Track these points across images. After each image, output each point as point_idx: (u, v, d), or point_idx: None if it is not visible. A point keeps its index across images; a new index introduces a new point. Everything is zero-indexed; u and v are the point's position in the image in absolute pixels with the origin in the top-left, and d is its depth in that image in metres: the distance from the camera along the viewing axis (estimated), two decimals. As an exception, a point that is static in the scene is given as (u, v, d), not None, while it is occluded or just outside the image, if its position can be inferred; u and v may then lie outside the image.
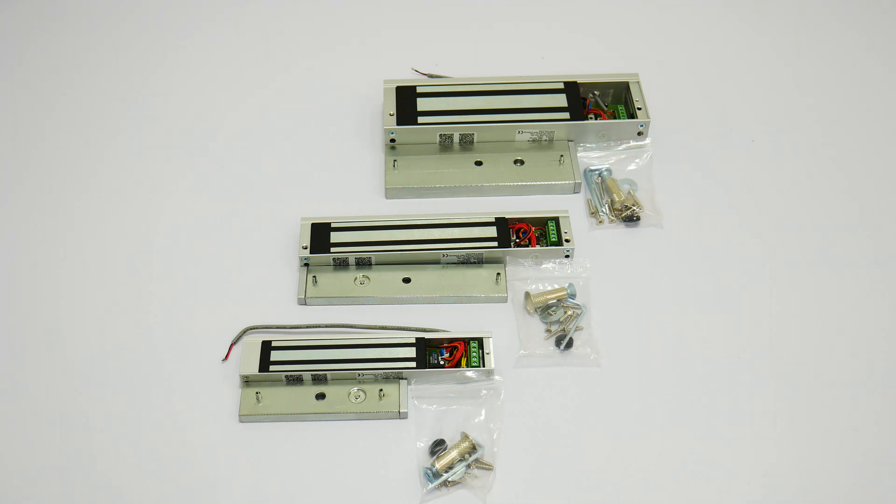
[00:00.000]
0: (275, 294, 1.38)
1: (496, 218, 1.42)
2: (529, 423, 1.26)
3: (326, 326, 1.34)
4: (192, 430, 1.25)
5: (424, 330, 1.33)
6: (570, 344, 1.32)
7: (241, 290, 1.39)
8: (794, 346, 1.33)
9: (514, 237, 1.42)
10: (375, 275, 1.39)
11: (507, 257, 1.40)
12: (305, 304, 1.37)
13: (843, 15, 1.80)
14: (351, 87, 1.66)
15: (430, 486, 1.20)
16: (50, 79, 1.68)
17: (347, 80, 1.67)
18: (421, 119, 1.52)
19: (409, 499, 1.20)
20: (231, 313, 1.36)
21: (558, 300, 1.36)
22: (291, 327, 1.34)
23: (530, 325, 1.35)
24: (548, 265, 1.40)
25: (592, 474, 1.22)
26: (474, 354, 1.29)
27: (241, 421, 1.26)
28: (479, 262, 1.40)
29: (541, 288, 1.38)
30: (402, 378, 1.28)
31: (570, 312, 1.35)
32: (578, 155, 1.54)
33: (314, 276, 1.38)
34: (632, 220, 1.46)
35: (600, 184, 1.51)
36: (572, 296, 1.36)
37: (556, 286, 1.37)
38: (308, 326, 1.34)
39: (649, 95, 1.60)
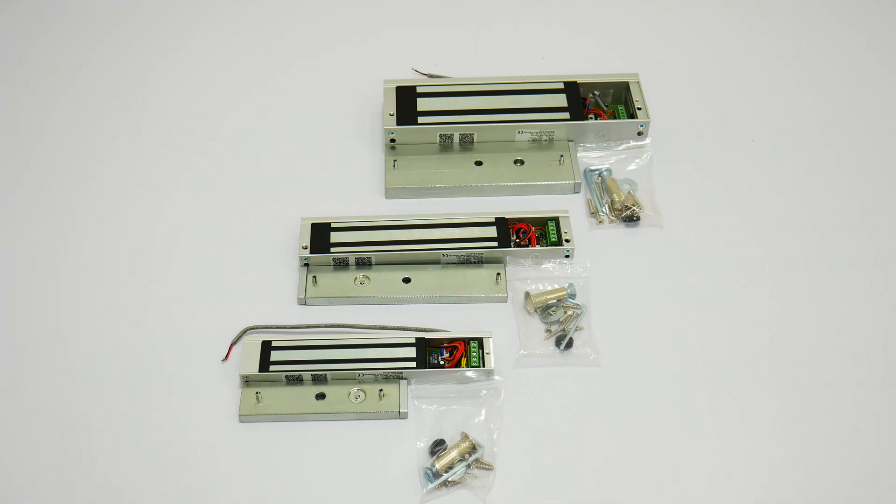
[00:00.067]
0: (275, 294, 1.38)
1: (496, 218, 1.42)
2: (529, 423, 1.26)
3: (326, 326, 1.34)
4: (192, 430, 1.25)
5: (424, 330, 1.33)
6: (570, 344, 1.32)
7: (241, 290, 1.39)
8: (794, 346, 1.33)
9: (514, 237, 1.42)
10: (375, 275, 1.39)
11: (507, 257, 1.40)
12: (305, 304, 1.37)
13: (843, 15, 1.80)
14: (351, 87, 1.66)
15: (430, 486, 1.20)
16: (50, 79, 1.68)
17: (347, 80, 1.67)
18: (421, 119, 1.52)
19: (409, 499, 1.20)
20: (231, 313, 1.36)
21: (558, 300, 1.36)
22: (291, 327, 1.34)
23: (530, 325, 1.35)
24: (548, 265, 1.40)
25: (592, 474, 1.22)
26: (474, 354, 1.29)
27: (241, 421, 1.26)
28: (479, 262, 1.40)
29: (541, 288, 1.38)
30: (402, 378, 1.28)
31: (570, 312, 1.35)
32: (578, 155, 1.54)
33: (314, 276, 1.38)
34: (632, 220, 1.46)
35: (600, 184, 1.51)
36: (572, 296, 1.36)
37: (556, 286, 1.37)
38: (308, 326, 1.34)
39: (649, 95, 1.60)
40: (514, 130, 1.53)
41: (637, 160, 1.53)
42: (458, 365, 1.29)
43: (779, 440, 1.25)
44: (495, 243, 1.40)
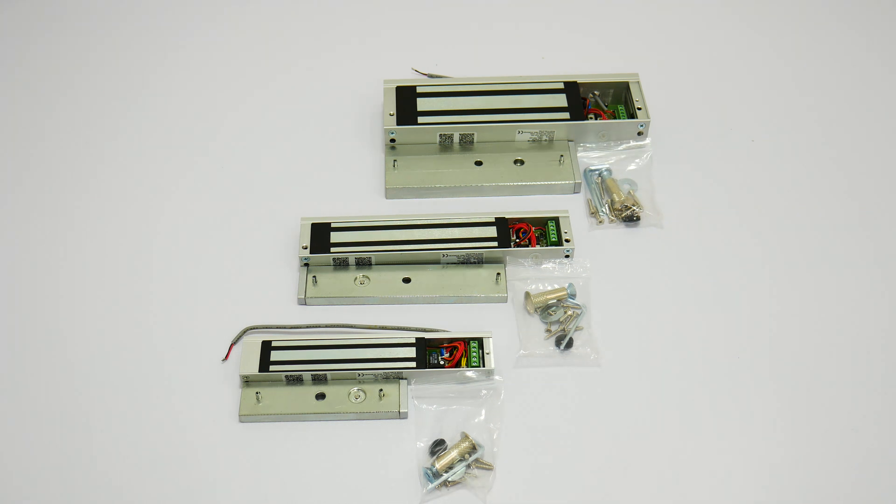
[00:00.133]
0: (275, 294, 1.38)
1: (496, 218, 1.42)
2: (529, 423, 1.26)
3: (326, 326, 1.34)
4: (192, 430, 1.25)
5: (424, 330, 1.33)
6: (570, 344, 1.32)
7: (241, 290, 1.39)
8: (794, 346, 1.33)
9: (514, 237, 1.42)
10: (375, 275, 1.39)
11: (507, 257, 1.40)
12: (305, 304, 1.37)
13: (843, 15, 1.80)
14: (351, 87, 1.66)
15: (430, 486, 1.20)
16: (50, 79, 1.68)
17: (347, 80, 1.67)
18: (421, 119, 1.52)
19: (409, 499, 1.20)
20: (231, 313, 1.36)
21: (558, 300, 1.36)
22: (291, 327, 1.34)
23: (530, 325, 1.35)
24: (548, 265, 1.40)
25: (592, 474, 1.22)
26: (474, 354, 1.29)
27: (241, 421, 1.26)
28: (479, 262, 1.40)
29: (541, 288, 1.38)
30: (402, 378, 1.28)
31: (570, 312, 1.35)
32: (578, 155, 1.54)
33: (314, 276, 1.38)
34: (632, 220, 1.46)
35: (600, 184, 1.51)
36: (572, 296, 1.36)
37: (556, 286, 1.37)
38: (308, 326, 1.34)
39: (649, 95, 1.60)
40: (514, 130, 1.53)
41: (637, 160, 1.53)
42: (458, 365, 1.29)
43: (779, 440, 1.25)
44: (495, 243, 1.40)
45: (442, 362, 1.29)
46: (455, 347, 1.30)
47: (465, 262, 1.40)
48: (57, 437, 1.24)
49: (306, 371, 1.27)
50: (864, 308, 1.37)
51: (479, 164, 1.52)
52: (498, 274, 1.39)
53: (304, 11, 1.80)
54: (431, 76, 1.66)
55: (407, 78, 1.65)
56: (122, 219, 1.47)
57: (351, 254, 1.39)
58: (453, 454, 1.21)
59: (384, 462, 1.23)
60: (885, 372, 1.31)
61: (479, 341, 1.30)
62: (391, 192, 1.50)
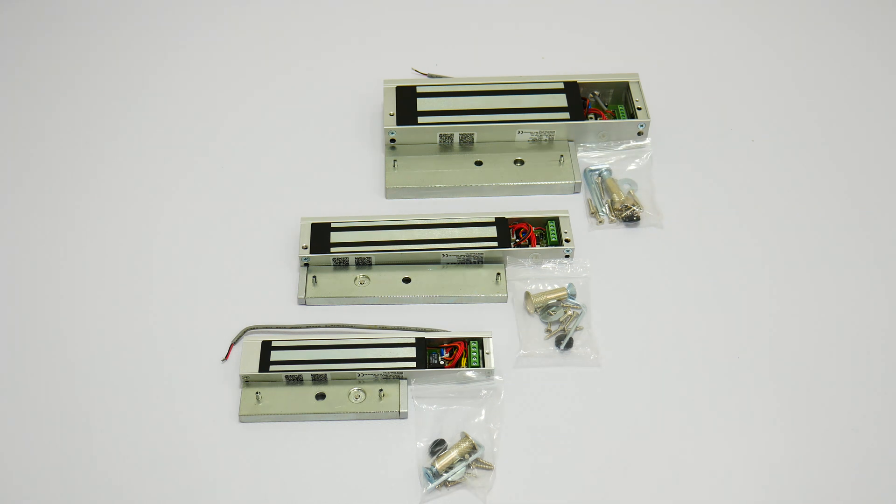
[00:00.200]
0: (275, 294, 1.38)
1: (496, 218, 1.42)
2: (529, 423, 1.26)
3: (326, 326, 1.34)
4: (192, 430, 1.25)
5: (424, 330, 1.33)
6: (570, 344, 1.32)
7: (241, 290, 1.39)
8: (794, 346, 1.33)
9: (514, 237, 1.42)
10: (375, 275, 1.39)
11: (507, 257, 1.40)
12: (305, 304, 1.37)
13: (843, 15, 1.80)
14: (351, 87, 1.66)
15: (430, 486, 1.20)
16: (50, 79, 1.68)
17: (347, 80, 1.67)
18: (421, 119, 1.52)
19: (409, 499, 1.20)
20: (231, 313, 1.36)
21: (558, 300, 1.36)
22: (291, 327, 1.34)
23: (530, 325, 1.35)
24: (548, 265, 1.40)
25: (592, 474, 1.22)
26: (474, 354, 1.29)
27: (241, 421, 1.26)
28: (479, 262, 1.40)
29: (541, 288, 1.38)
30: (402, 378, 1.28)
31: (570, 312, 1.35)
32: (578, 155, 1.54)
33: (314, 276, 1.38)
34: (632, 220, 1.46)
35: (600, 184, 1.51)
36: (572, 296, 1.36)
37: (556, 286, 1.37)
38: (308, 326, 1.34)
39: (649, 95, 1.60)
40: (514, 130, 1.53)
41: (637, 160, 1.53)
42: (458, 365, 1.29)
43: (779, 440, 1.25)
44: (495, 243, 1.40)
45: (442, 362, 1.29)
46: (455, 347, 1.30)
47: (465, 262, 1.40)
48: (57, 437, 1.24)
49: (306, 371, 1.27)
50: (864, 308, 1.37)
51: (479, 164, 1.52)
52: (498, 274, 1.39)
53: (304, 11, 1.80)
54: (431, 76, 1.66)
55: (407, 78, 1.65)
56: (122, 219, 1.47)
57: (351, 254, 1.39)
58: (453, 454, 1.21)
59: (384, 462, 1.23)
60: (885, 372, 1.31)
61: (479, 341, 1.30)
62: (391, 192, 1.50)
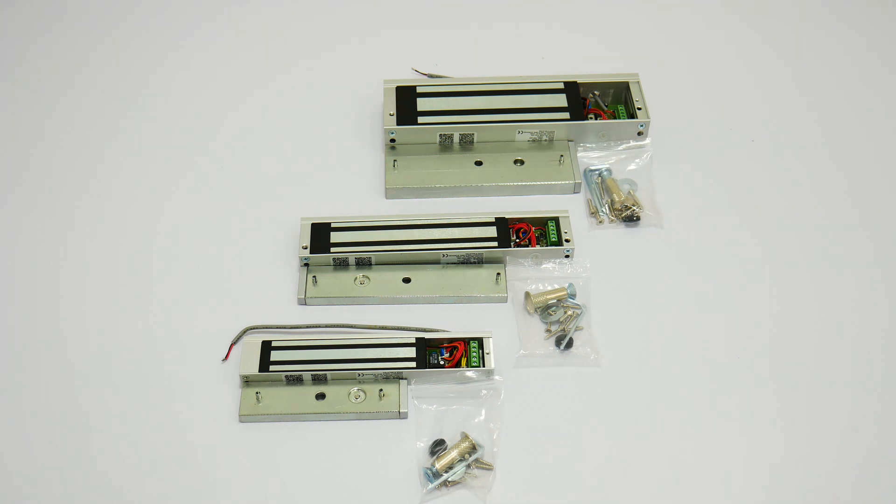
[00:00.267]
0: (275, 294, 1.38)
1: (496, 218, 1.42)
2: (529, 423, 1.26)
3: (326, 326, 1.34)
4: (192, 430, 1.25)
5: (424, 330, 1.33)
6: (570, 344, 1.32)
7: (241, 290, 1.39)
8: (794, 346, 1.33)
9: (514, 237, 1.42)
10: (375, 275, 1.39)
11: (507, 257, 1.40)
12: (305, 304, 1.37)
13: (843, 15, 1.80)
14: (351, 87, 1.66)
15: (430, 486, 1.20)
16: (50, 79, 1.68)
17: (347, 80, 1.67)
18: (421, 119, 1.52)
19: (409, 499, 1.20)
20: (231, 313, 1.36)
21: (558, 300, 1.36)
22: (291, 327, 1.34)
23: (530, 325, 1.35)
24: (548, 265, 1.40)
25: (592, 474, 1.22)
26: (474, 354, 1.29)
27: (241, 421, 1.26)
28: (479, 262, 1.40)
29: (541, 288, 1.38)
30: (402, 378, 1.28)
31: (570, 312, 1.35)
32: (578, 155, 1.54)
33: (314, 276, 1.38)
34: (632, 220, 1.46)
35: (600, 184, 1.51)
36: (572, 296, 1.36)
37: (556, 286, 1.37)
38: (308, 326, 1.34)
39: (649, 95, 1.60)
40: (514, 130, 1.53)
41: (637, 160, 1.53)
42: (458, 365, 1.29)
43: (779, 440, 1.25)
44: (495, 243, 1.40)
45: (442, 362, 1.29)
46: (455, 347, 1.30)
47: (465, 262, 1.40)
48: (57, 437, 1.24)
49: (306, 371, 1.27)
50: (864, 308, 1.37)
51: (479, 164, 1.52)
52: (498, 274, 1.39)
53: (304, 11, 1.80)
54: (431, 76, 1.66)
55: (407, 78, 1.65)
56: (122, 219, 1.47)
57: (351, 254, 1.39)
58: (453, 454, 1.21)
59: (384, 462, 1.23)
60: (885, 372, 1.31)
61: (479, 341, 1.30)
62: (391, 192, 1.50)
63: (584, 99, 1.57)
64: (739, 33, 1.77)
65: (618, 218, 1.46)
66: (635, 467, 1.22)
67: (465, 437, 1.23)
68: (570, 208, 1.45)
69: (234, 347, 1.32)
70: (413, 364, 1.28)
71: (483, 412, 1.26)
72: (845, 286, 1.39)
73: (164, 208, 1.49)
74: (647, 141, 1.55)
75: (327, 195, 1.50)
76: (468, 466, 1.21)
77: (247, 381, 1.28)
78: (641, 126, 1.54)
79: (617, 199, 1.47)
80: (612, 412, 1.27)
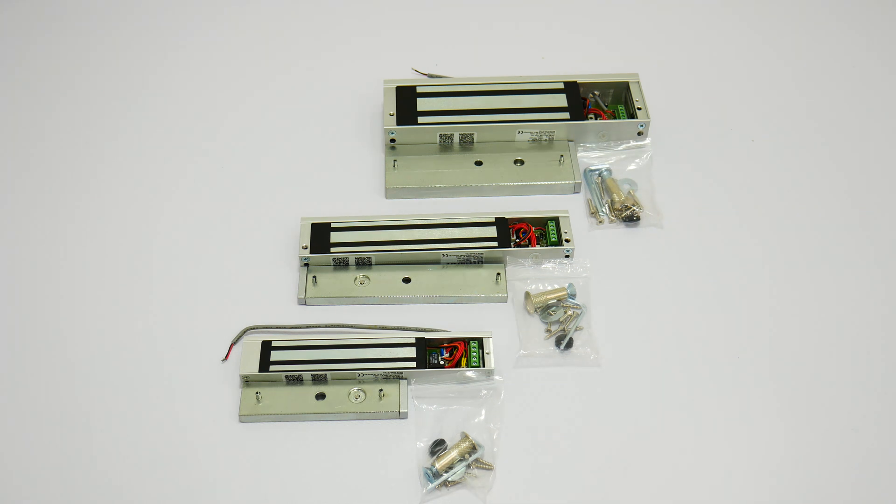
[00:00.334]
0: (275, 294, 1.38)
1: (496, 218, 1.42)
2: (529, 423, 1.26)
3: (326, 326, 1.34)
4: (192, 430, 1.25)
5: (424, 330, 1.33)
6: (570, 344, 1.32)
7: (241, 290, 1.39)
8: (794, 346, 1.33)
9: (514, 237, 1.42)
10: (375, 275, 1.39)
11: (507, 257, 1.40)
12: (305, 304, 1.37)
13: (843, 15, 1.80)
14: (351, 87, 1.66)
15: (430, 486, 1.20)
16: (50, 79, 1.68)
17: (347, 80, 1.67)
18: (421, 119, 1.52)
19: (409, 499, 1.20)
20: (231, 313, 1.36)
21: (558, 300, 1.36)
22: (291, 327, 1.34)
23: (530, 325, 1.35)
24: (548, 265, 1.40)
25: (592, 474, 1.22)
26: (474, 354, 1.29)
27: (241, 421, 1.26)
28: (479, 262, 1.40)
29: (541, 288, 1.38)
30: (402, 378, 1.28)
31: (570, 312, 1.35)
32: (578, 155, 1.54)
33: (314, 276, 1.38)
34: (632, 220, 1.46)
35: (600, 184, 1.51)
36: (572, 296, 1.36)
37: (556, 286, 1.37)
38: (308, 326, 1.34)
39: (649, 95, 1.60)
40: (514, 130, 1.53)
41: (637, 160, 1.53)
42: (458, 365, 1.29)
43: (779, 440, 1.25)
44: (495, 243, 1.40)
45: (442, 362, 1.29)
46: (455, 347, 1.30)
47: (465, 262, 1.40)
48: (57, 437, 1.24)
49: (306, 371, 1.27)
50: (864, 308, 1.37)
51: (479, 164, 1.52)
52: (498, 274, 1.39)
53: (304, 11, 1.80)
54: (431, 76, 1.66)
55: (407, 78, 1.65)
56: (122, 219, 1.47)
57: (351, 254, 1.39)
58: (453, 454, 1.21)
59: (384, 462, 1.23)
60: (885, 372, 1.31)
61: (479, 341, 1.30)
62: (391, 192, 1.50)
63: (584, 99, 1.57)
64: (739, 33, 1.77)
65: (618, 218, 1.46)
66: (635, 467, 1.22)
67: (465, 437, 1.23)
68: (570, 208, 1.45)
69: (234, 347, 1.32)
70: (413, 364, 1.28)
71: (483, 412, 1.26)
72: (845, 286, 1.39)
73: (164, 208, 1.49)
74: (647, 141, 1.55)
75: (327, 195, 1.50)
76: (468, 466, 1.21)
77: (247, 381, 1.28)
78: (641, 126, 1.54)
79: (617, 199, 1.47)
80: (612, 412, 1.27)
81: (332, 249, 1.39)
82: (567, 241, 1.40)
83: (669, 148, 1.56)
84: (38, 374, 1.30)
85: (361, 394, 1.27)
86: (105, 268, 1.41)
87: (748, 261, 1.42)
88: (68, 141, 1.58)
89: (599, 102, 1.58)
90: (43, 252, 1.43)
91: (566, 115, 1.53)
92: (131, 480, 1.21)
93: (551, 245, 1.41)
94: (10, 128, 1.60)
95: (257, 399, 1.26)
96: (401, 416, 1.26)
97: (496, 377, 1.29)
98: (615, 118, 1.56)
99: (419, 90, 1.56)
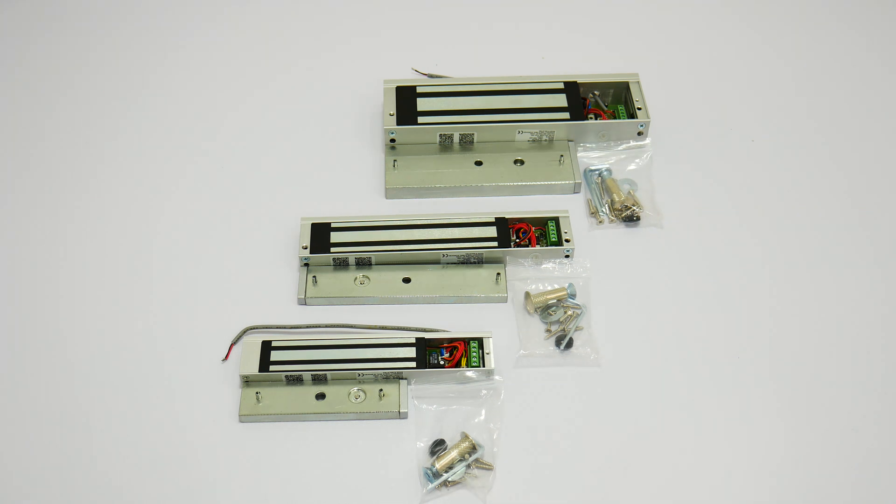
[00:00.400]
0: (275, 294, 1.38)
1: (496, 218, 1.42)
2: (529, 423, 1.26)
3: (326, 326, 1.34)
4: (192, 430, 1.25)
5: (424, 330, 1.33)
6: (570, 344, 1.32)
7: (241, 290, 1.39)
8: (794, 346, 1.33)
9: (514, 237, 1.42)
10: (375, 275, 1.39)
11: (507, 257, 1.40)
12: (305, 304, 1.37)
13: (843, 15, 1.80)
14: (351, 87, 1.66)
15: (430, 486, 1.20)
16: (50, 79, 1.68)
17: (347, 80, 1.67)
18: (421, 119, 1.52)
19: (409, 499, 1.20)
20: (231, 313, 1.36)
21: (558, 300, 1.36)
22: (291, 327, 1.34)
23: (530, 325, 1.35)
24: (548, 265, 1.40)
25: (592, 474, 1.22)
26: (474, 354, 1.29)
27: (241, 421, 1.26)
28: (479, 262, 1.40)
29: (541, 288, 1.38)
30: (402, 378, 1.28)
31: (570, 312, 1.35)
32: (578, 155, 1.54)
33: (314, 276, 1.38)
34: (632, 220, 1.46)
35: (600, 184, 1.51)
36: (572, 296, 1.36)
37: (556, 286, 1.37)
38: (308, 326, 1.34)
39: (649, 95, 1.60)
40: (514, 130, 1.53)
41: (637, 160, 1.54)
42: (458, 365, 1.29)
43: (779, 440, 1.25)
44: (495, 243, 1.40)
45: (442, 362, 1.29)
46: (455, 347, 1.30)
47: (465, 262, 1.40)
48: (57, 437, 1.24)
49: (306, 371, 1.27)
50: (864, 308, 1.37)
51: (479, 164, 1.52)
52: (498, 274, 1.39)
53: (304, 11, 1.80)
54: (431, 76, 1.66)
55: (407, 78, 1.65)
56: (122, 219, 1.47)
57: (351, 254, 1.39)
58: (453, 454, 1.21)
59: (384, 462, 1.23)
60: (885, 372, 1.31)
61: (479, 341, 1.30)
62: (391, 192, 1.50)
63: (584, 99, 1.57)
64: (739, 33, 1.77)
65: (618, 218, 1.47)
66: (635, 467, 1.22)
67: (465, 437, 1.23)
68: (570, 208, 1.45)
69: (234, 347, 1.32)
70: (413, 364, 1.28)
71: (483, 412, 1.26)
72: (845, 286, 1.39)
73: (164, 208, 1.49)
74: (647, 141, 1.55)
75: (327, 195, 1.50)
76: (468, 466, 1.21)
77: (247, 381, 1.28)
78: (641, 126, 1.54)
79: (617, 199, 1.47)
80: (612, 412, 1.27)
81: (332, 249, 1.39)
82: (567, 241, 1.40)
83: (669, 148, 1.56)
84: (38, 374, 1.30)
85: (361, 394, 1.27)
86: (105, 268, 1.41)
87: (748, 261, 1.42)
88: (68, 141, 1.58)
89: (599, 102, 1.58)
90: (43, 252, 1.43)
91: (566, 115, 1.53)
92: (131, 480, 1.21)
93: (551, 245, 1.41)
94: (10, 128, 1.60)
95: (257, 399, 1.26)
96: (401, 416, 1.26)
97: (496, 377, 1.29)
98: (615, 118, 1.56)
99: (419, 90, 1.56)
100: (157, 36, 1.76)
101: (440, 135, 1.53)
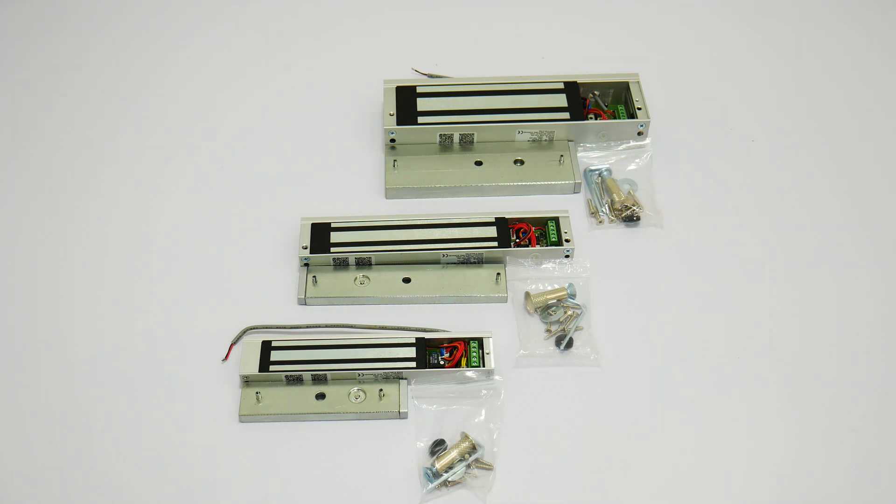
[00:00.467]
0: (275, 294, 1.38)
1: (496, 218, 1.42)
2: (529, 423, 1.26)
3: (326, 326, 1.34)
4: (192, 430, 1.25)
5: (424, 330, 1.33)
6: (570, 344, 1.32)
7: (241, 290, 1.39)
8: (794, 346, 1.33)
9: (514, 237, 1.42)
10: (375, 275, 1.39)
11: (507, 257, 1.40)
12: (305, 304, 1.37)
13: (843, 15, 1.80)
14: (351, 87, 1.66)
15: (430, 486, 1.20)
16: (50, 79, 1.68)
17: (347, 80, 1.67)
18: (421, 119, 1.52)
19: (409, 499, 1.20)
20: (231, 313, 1.36)
21: (558, 300, 1.36)
22: (291, 327, 1.34)
23: (530, 325, 1.35)
24: (548, 265, 1.40)
25: (592, 474, 1.22)
26: (474, 354, 1.29)
27: (241, 421, 1.26)
28: (479, 262, 1.40)
29: (541, 288, 1.38)
30: (402, 378, 1.28)
31: (570, 312, 1.35)
32: (578, 155, 1.54)
33: (314, 276, 1.38)
34: (632, 220, 1.46)
35: (600, 184, 1.51)
36: (572, 296, 1.36)
37: (556, 286, 1.37)
38: (308, 326, 1.34)
39: (649, 95, 1.60)
40: (514, 130, 1.53)
41: (637, 160, 1.54)
42: (458, 365, 1.29)
43: (779, 440, 1.25)
44: (495, 243, 1.40)
45: (442, 362, 1.29)
46: (455, 347, 1.30)
47: (465, 262, 1.40)
48: (57, 437, 1.24)
49: (306, 371, 1.27)
50: (864, 308, 1.37)
51: (479, 164, 1.52)
52: (498, 274, 1.39)
53: (304, 11, 1.80)
54: (431, 76, 1.66)
55: (407, 78, 1.65)
56: (122, 219, 1.47)
57: (351, 254, 1.39)
58: (453, 454, 1.21)
59: (384, 462, 1.23)
60: (885, 372, 1.31)
61: (479, 341, 1.30)
62: (391, 192, 1.50)
63: (584, 99, 1.57)
64: (739, 33, 1.77)
65: (618, 218, 1.47)
66: (635, 467, 1.22)
67: (465, 437, 1.23)
68: (570, 208, 1.45)
69: (234, 347, 1.32)
70: (413, 364, 1.28)
71: (483, 412, 1.26)
72: (845, 286, 1.39)
73: (164, 208, 1.49)
74: (647, 141, 1.55)
75: (327, 195, 1.50)
76: (468, 466, 1.21)
77: (247, 381, 1.28)
78: (641, 126, 1.54)
79: (617, 199, 1.47)
80: (612, 412, 1.27)
81: (332, 249, 1.39)
82: (567, 241, 1.40)
83: (669, 148, 1.56)
84: (38, 374, 1.30)
85: (361, 394, 1.27)
86: (105, 268, 1.41)
87: (748, 261, 1.42)
88: (68, 141, 1.58)
89: (599, 102, 1.58)
90: (43, 252, 1.43)
91: (566, 115, 1.53)
92: (131, 480, 1.21)
93: (551, 245, 1.41)
94: (10, 128, 1.60)
95: (257, 399, 1.26)
96: (401, 416, 1.26)
97: (496, 377, 1.29)
98: (615, 118, 1.56)
99: (419, 90, 1.56)
100: (157, 36, 1.76)
101: (440, 135, 1.53)
